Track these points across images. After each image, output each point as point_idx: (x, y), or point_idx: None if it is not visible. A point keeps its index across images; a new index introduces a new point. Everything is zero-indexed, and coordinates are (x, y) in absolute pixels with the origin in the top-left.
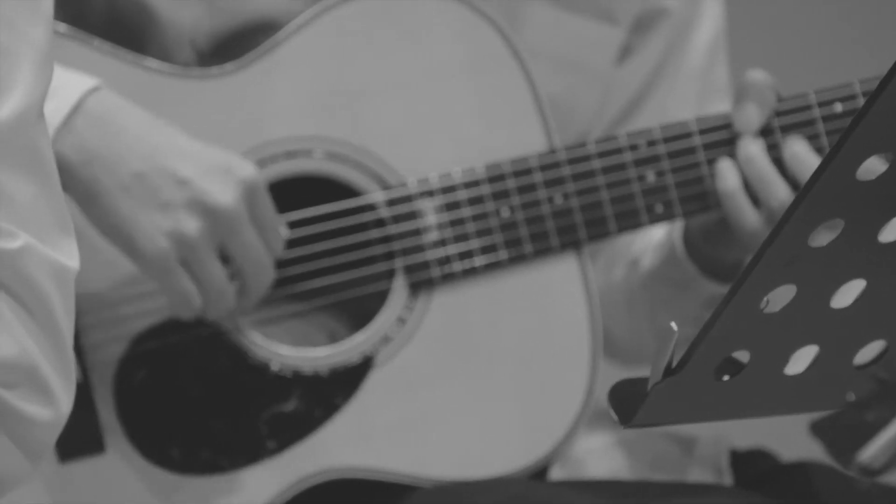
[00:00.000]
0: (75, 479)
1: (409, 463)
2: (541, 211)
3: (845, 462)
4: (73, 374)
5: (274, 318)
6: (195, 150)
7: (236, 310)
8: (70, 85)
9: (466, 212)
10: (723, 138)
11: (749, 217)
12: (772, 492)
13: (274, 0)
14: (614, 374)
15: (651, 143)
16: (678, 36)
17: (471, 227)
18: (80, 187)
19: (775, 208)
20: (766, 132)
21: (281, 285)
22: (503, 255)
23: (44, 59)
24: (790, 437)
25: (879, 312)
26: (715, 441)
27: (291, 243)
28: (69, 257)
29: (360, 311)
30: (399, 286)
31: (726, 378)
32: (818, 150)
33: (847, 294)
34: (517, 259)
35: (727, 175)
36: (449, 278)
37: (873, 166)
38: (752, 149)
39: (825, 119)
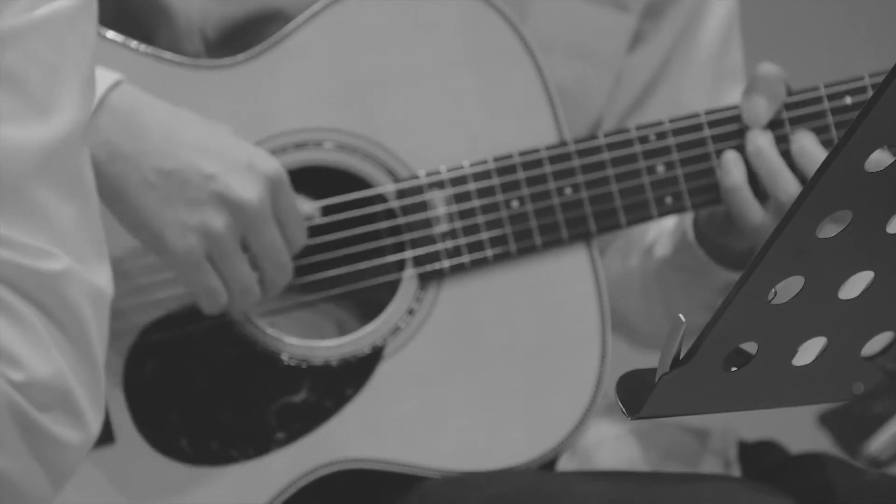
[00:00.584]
0: (85, 470)
1: (419, 454)
2: (550, 203)
3: (854, 453)
4: (102, 398)
5: (283, 309)
6: (219, 145)
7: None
8: None
9: (476, 203)
10: (732, 130)
11: (753, 211)
12: (780, 483)
13: None
14: (625, 364)
15: (660, 136)
16: (690, 22)
17: (480, 219)
18: (106, 184)
19: (783, 201)
20: (775, 125)
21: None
22: (512, 246)
23: (89, 82)
24: (798, 429)
25: (887, 304)
26: (723, 433)
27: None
28: (105, 282)
29: (369, 303)
30: (409, 277)
31: (734, 369)
32: (828, 142)
33: (855, 285)
34: (526, 251)
35: (732, 169)
36: (458, 269)
37: (881, 158)
38: (761, 141)
39: (834, 112)
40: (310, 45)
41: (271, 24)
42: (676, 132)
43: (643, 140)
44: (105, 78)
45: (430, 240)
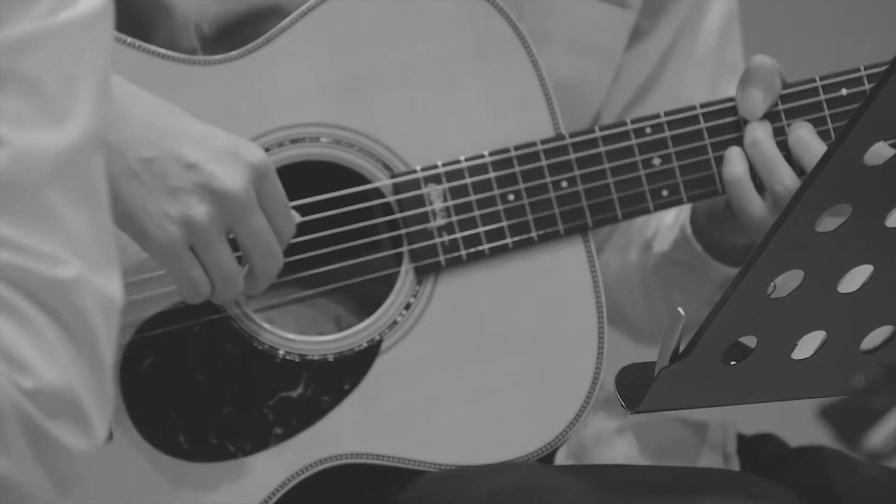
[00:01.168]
0: None
1: (417, 449)
2: (546, 196)
3: (854, 446)
4: (110, 406)
5: (280, 304)
6: (203, 135)
7: (244, 295)
8: None
9: (472, 197)
10: (728, 122)
11: (755, 204)
12: (779, 476)
13: None
14: (623, 358)
15: (656, 128)
16: (690, 17)
17: (477, 213)
18: None
19: (780, 193)
20: (772, 117)
21: (288, 271)
22: (509, 240)
23: (104, 89)
24: (797, 423)
25: (887, 297)
26: (722, 426)
27: (298, 229)
28: (116, 290)
29: (366, 298)
30: (405, 272)
31: (733, 363)
32: (824, 134)
33: (854, 279)
34: (523, 244)
35: (735, 162)
36: (455, 263)
37: (880, 151)
38: (758, 133)
39: (830, 103)
40: (306, 41)
41: (268, 19)
42: (672, 125)
43: (639, 133)
44: None
45: (426, 234)
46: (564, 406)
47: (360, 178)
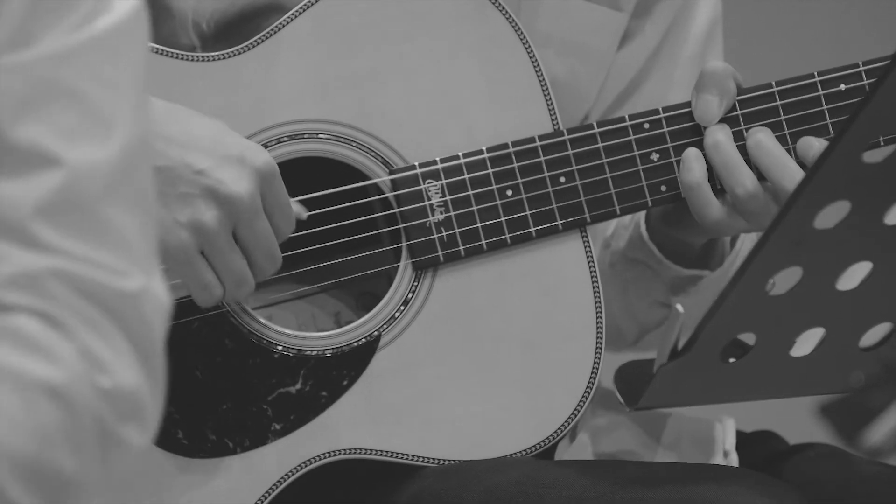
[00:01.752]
0: None
1: (415, 444)
2: (544, 191)
3: (854, 443)
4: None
5: (280, 301)
6: (210, 140)
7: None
8: None
9: (470, 193)
10: (726, 118)
11: (713, 207)
12: (778, 473)
13: None
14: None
15: (654, 124)
16: (676, 21)
17: (475, 208)
18: None
19: (740, 195)
20: (731, 121)
21: (287, 267)
22: (507, 235)
23: (144, 91)
24: (795, 419)
25: (885, 294)
26: (721, 422)
27: (299, 224)
28: (165, 293)
29: (365, 293)
30: (404, 267)
31: (732, 360)
32: (821, 129)
33: (853, 276)
34: (521, 239)
35: (693, 166)
36: (453, 259)
37: (879, 149)
38: (720, 136)
39: (828, 98)
40: (304, 37)
41: (266, 16)
42: (670, 121)
43: (637, 129)
44: None
45: (425, 230)
46: (563, 400)
47: (359, 175)
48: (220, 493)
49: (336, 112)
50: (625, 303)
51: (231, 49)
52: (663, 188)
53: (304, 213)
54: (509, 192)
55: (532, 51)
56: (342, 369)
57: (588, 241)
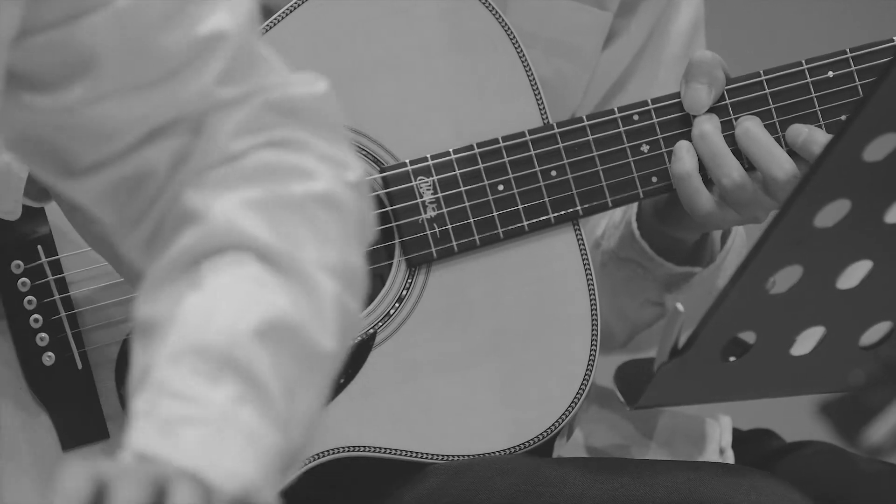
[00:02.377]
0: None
1: (414, 440)
2: (536, 185)
3: (853, 441)
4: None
5: None
6: None
7: None
8: None
9: (462, 188)
10: (716, 107)
11: (703, 199)
12: (775, 471)
13: None
14: (615, 356)
15: (644, 116)
16: (659, 20)
17: (467, 204)
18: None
19: (727, 186)
20: (719, 111)
21: None
22: (500, 230)
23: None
24: (792, 417)
25: (886, 293)
26: (718, 420)
27: None
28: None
29: None
30: (397, 264)
31: (732, 359)
32: (811, 115)
33: (853, 275)
34: (514, 233)
35: (683, 157)
36: (447, 254)
37: (880, 147)
38: (707, 126)
39: (816, 85)
40: (291, 38)
41: None
42: (659, 111)
43: (627, 120)
44: None
45: (417, 226)
46: (560, 393)
47: None
48: None
49: None
50: (616, 303)
51: None
52: (654, 179)
53: None
54: (501, 187)
55: (520, 46)
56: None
57: (581, 234)
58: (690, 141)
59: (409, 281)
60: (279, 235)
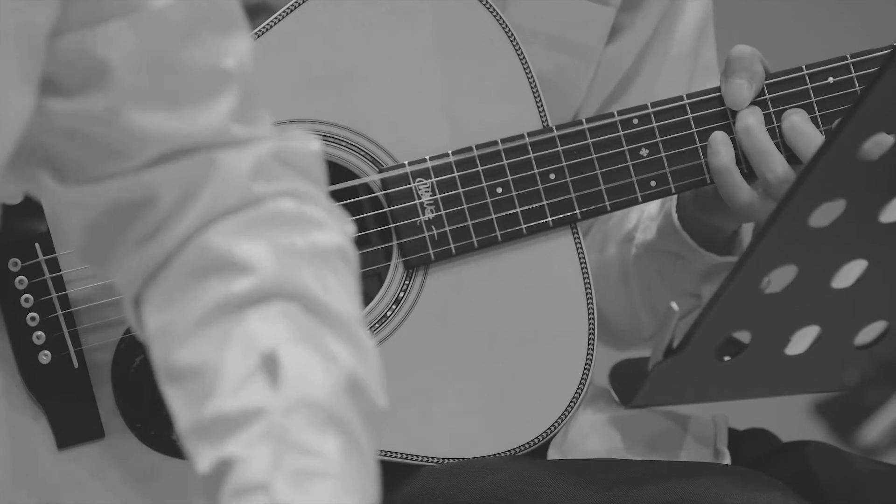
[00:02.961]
0: (74, 467)
1: (409, 443)
2: (534, 188)
3: (849, 441)
4: None
5: None
6: None
7: None
8: None
9: (460, 190)
10: (715, 112)
11: (743, 192)
12: (771, 471)
13: None
14: (610, 356)
15: (643, 119)
16: (666, 16)
17: (465, 206)
18: None
19: (771, 181)
20: (760, 105)
21: None
22: (498, 232)
23: None
24: (788, 418)
25: (880, 293)
26: (713, 420)
27: None
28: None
29: None
30: (395, 266)
31: (727, 358)
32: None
33: (848, 274)
34: (512, 236)
35: (720, 150)
36: (444, 257)
37: (875, 147)
38: (751, 120)
39: (817, 91)
40: (291, 38)
41: (253, 18)
42: (659, 115)
43: (626, 124)
44: None
45: (415, 228)
46: (555, 398)
47: (349, 174)
48: None
49: (325, 112)
50: (648, 296)
51: None
52: (653, 183)
53: None
54: (499, 190)
55: (519, 47)
56: None
57: (579, 238)
58: (728, 133)
59: (407, 283)
60: (321, 287)
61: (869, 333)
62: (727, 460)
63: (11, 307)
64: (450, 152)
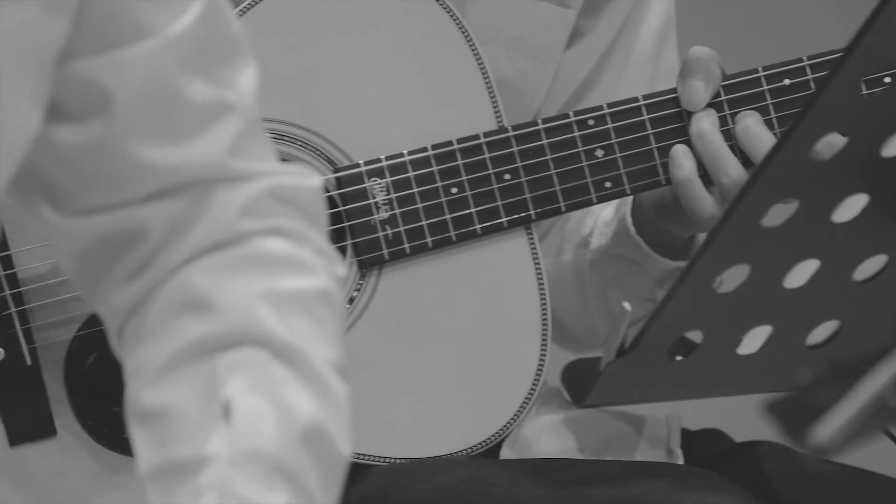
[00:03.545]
0: (26, 463)
1: (361, 443)
2: (489, 188)
3: (800, 441)
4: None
5: None
6: None
7: None
8: None
9: (415, 190)
10: (671, 113)
11: (706, 202)
12: (724, 471)
13: None
14: (564, 356)
15: (599, 121)
16: (628, 20)
17: (420, 206)
18: None
19: (726, 185)
20: (715, 107)
21: None
22: (452, 232)
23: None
24: (741, 418)
25: (833, 292)
26: (666, 420)
27: None
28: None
29: None
30: (349, 265)
31: (679, 358)
32: (767, 123)
33: (800, 274)
34: (466, 236)
35: (682, 163)
36: (399, 256)
37: (827, 147)
38: (704, 124)
39: (773, 93)
40: (248, 35)
41: None
42: (615, 116)
43: (581, 125)
44: None
45: (370, 228)
46: (508, 398)
47: None
48: None
49: (279, 111)
50: (604, 301)
51: None
52: (608, 184)
53: None
54: (454, 190)
55: (476, 49)
56: None
57: (534, 239)
58: (685, 143)
59: (361, 282)
60: (293, 332)
61: (821, 333)
62: (680, 460)
63: None
64: (405, 152)
